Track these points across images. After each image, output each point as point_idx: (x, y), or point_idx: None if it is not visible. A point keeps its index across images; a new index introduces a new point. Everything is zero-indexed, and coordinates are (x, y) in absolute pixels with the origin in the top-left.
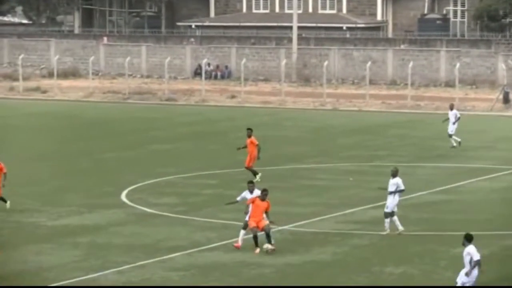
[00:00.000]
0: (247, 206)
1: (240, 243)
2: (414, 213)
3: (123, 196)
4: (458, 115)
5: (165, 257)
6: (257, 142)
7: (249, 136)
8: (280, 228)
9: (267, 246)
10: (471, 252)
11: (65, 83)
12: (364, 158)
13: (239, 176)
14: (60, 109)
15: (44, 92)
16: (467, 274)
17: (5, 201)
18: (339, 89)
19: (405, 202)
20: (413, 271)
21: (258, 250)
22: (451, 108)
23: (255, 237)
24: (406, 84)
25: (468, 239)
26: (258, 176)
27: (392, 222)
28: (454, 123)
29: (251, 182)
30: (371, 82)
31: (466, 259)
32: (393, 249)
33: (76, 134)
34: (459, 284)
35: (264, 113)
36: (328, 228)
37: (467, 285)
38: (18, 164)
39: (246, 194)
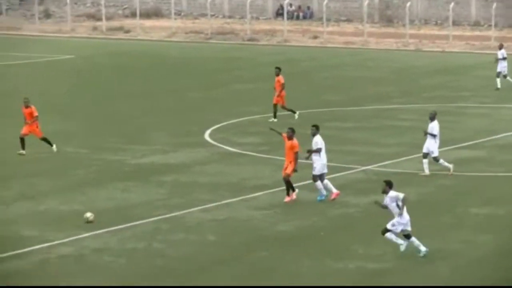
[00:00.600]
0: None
1: (334, 191)
2: (500, 154)
3: (207, 135)
4: (505, 55)
5: (249, 196)
6: (282, 81)
7: (277, 75)
8: (364, 168)
9: (87, 215)
10: (395, 194)
11: (148, 23)
12: (448, 99)
13: (322, 116)
14: (143, 49)
15: (127, 32)
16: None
17: (51, 144)
18: (422, 30)
19: (490, 143)
20: (499, 211)
21: (287, 198)
22: (500, 48)
23: (286, 183)
24: (490, 25)
25: (390, 185)
26: (273, 120)
27: (428, 164)
28: (503, 60)
29: (314, 125)
30: (454, 23)
31: (393, 206)
32: (478, 190)
33: (159, 73)
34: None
35: (346, 53)
36: (413, 168)
37: (400, 228)
38: (102, 102)
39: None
